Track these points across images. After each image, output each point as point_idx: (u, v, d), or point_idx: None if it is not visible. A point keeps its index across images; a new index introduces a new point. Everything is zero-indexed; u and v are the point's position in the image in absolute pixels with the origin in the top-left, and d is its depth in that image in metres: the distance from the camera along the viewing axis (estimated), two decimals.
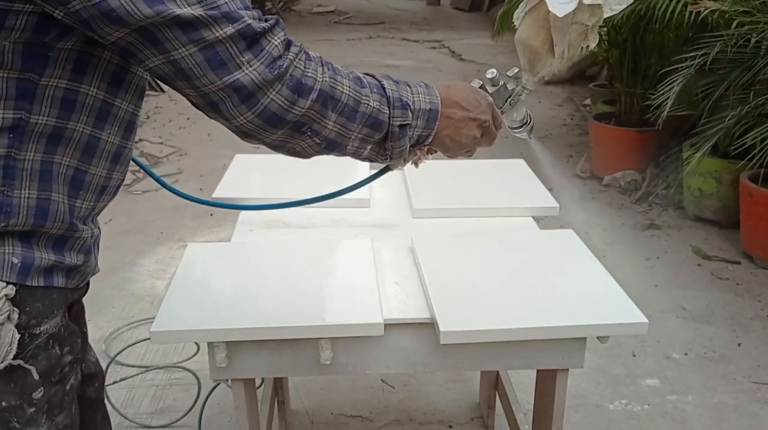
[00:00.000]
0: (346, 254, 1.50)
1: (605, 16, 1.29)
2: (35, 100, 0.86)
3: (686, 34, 3.70)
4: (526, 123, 1.33)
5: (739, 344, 2.65)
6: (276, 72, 0.88)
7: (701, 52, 3.12)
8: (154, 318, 1.24)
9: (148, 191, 4.07)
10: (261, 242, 1.59)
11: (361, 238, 1.57)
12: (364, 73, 1.03)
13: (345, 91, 0.97)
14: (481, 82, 1.21)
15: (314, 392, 2.35)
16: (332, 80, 0.95)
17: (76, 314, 1.11)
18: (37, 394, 0.93)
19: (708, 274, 3.20)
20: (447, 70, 7.54)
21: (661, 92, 3.19)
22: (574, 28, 1.28)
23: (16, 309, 0.88)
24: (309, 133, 0.96)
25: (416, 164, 1.18)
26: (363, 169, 1.97)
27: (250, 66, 0.87)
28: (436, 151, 1.15)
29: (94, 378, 1.19)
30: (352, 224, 1.69)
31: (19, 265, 0.89)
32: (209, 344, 1.25)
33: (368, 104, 0.99)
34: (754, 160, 2.94)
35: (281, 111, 0.91)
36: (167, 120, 5.33)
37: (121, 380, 2.37)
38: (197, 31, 0.83)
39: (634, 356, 2.57)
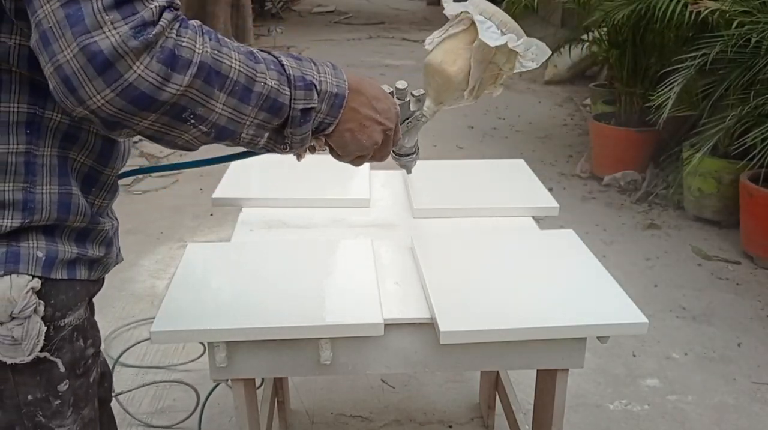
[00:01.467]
0: (346, 254, 1.50)
1: (515, 70, 1.25)
2: (48, 97, 0.86)
3: (686, 34, 3.71)
4: (412, 153, 1.23)
5: (739, 344, 2.65)
6: (142, 38, 0.72)
7: (701, 53, 3.12)
8: (154, 318, 1.24)
9: (148, 191, 4.07)
10: (261, 242, 1.59)
11: (361, 238, 1.57)
12: (258, 49, 0.87)
13: (234, 65, 0.80)
14: (392, 90, 1.11)
15: (314, 392, 2.35)
16: (216, 52, 0.78)
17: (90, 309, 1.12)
18: (63, 386, 0.94)
19: (708, 274, 3.20)
20: None
21: (662, 93, 3.19)
22: (489, 67, 1.24)
23: (41, 302, 0.89)
24: (193, 120, 0.79)
25: (310, 151, 1.06)
26: (364, 170, 1.98)
27: (114, 27, 0.71)
28: (327, 149, 1.02)
29: (103, 378, 1.20)
30: (352, 224, 1.69)
31: (43, 258, 0.89)
32: (209, 344, 1.25)
33: (264, 83, 0.83)
34: (754, 161, 2.94)
35: (152, 89, 0.73)
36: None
37: (135, 389, 2.37)
38: None
39: (634, 356, 2.57)
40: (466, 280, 1.39)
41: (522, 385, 2.18)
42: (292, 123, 0.87)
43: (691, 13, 3.16)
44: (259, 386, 1.92)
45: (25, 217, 0.87)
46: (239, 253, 1.52)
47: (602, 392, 2.37)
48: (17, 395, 0.91)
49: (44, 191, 0.89)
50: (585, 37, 4.63)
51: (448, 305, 1.27)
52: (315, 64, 0.91)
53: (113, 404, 2.25)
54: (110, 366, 2.37)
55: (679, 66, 3.22)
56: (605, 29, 4.25)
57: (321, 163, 1.88)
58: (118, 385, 2.34)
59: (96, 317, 1.07)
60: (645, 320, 1.26)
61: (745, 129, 3.13)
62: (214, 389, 2.11)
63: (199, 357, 2.49)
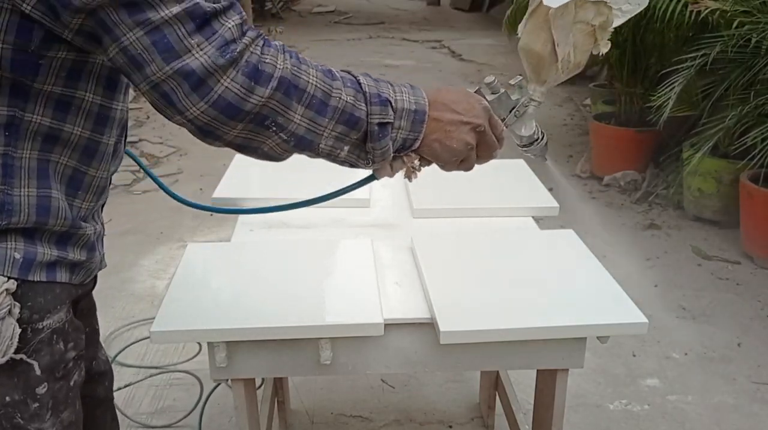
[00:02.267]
0: (346, 254, 1.50)
1: (615, 21, 1.19)
2: (29, 100, 0.86)
3: (686, 34, 3.71)
4: (536, 140, 1.20)
5: (739, 344, 2.65)
6: (228, 56, 0.81)
7: (701, 53, 3.12)
8: (153, 318, 1.24)
9: (148, 191, 4.07)
10: (261, 242, 1.59)
11: (361, 238, 1.57)
12: (340, 70, 0.95)
13: (311, 81, 0.89)
14: (478, 88, 1.11)
15: (314, 392, 2.35)
16: (295, 68, 0.88)
17: (86, 310, 1.11)
18: (41, 389, 0.93)
19: (708, 274, 3.20)
20: (447, 70, 7.54)
21: (662, 93, 3.19)
22: (578, 27, 1.18)
23: (17, 303, 0.88)
24: (274, 128, 0.88)
25: (409, 178, 1.09)
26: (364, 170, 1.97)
27: (200, 49, 0.80)
28: (429, 163, 1.06)
29: (103, 377, 1.19)
30: (352, 224, 1.69)
31: (21, 260, 0.89)
32: (209, 344, 1.25)
33: (340, 98, 0.91)
34: (755, 161, 2.94)
35: (237, 100, 0.83)
36: (167, 120, 5.33)
37: (125, 386, 2.36)
38: (142, 11, 0.78)
39: (634, 356, 2.57)
40: (466, 280, 1.39)
41: (522, 385, 2.18)
42: (371, 137, 0.94)
43: (691, 13, 3.16)
44: (259, 386, 1.92)
45: (2, 219, 0.87)
46: (239, 253, 1.52)
47: (602, 392, 2.37)
48: None
49: (22, 194, 0.89)
50: None
51: (448, 305, 1.27)
52: (392, 85, 0.97)
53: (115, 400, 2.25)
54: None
55: (679, 66, 3.22)
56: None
57: (321, 163, 1.86)
58: (118, 385, 2.34)
59: (98, 323, 1.06)
60: (645, 320, 1.26)
61: (745, 129, 3.13)
62: (214, 388, 2.11)
63: (195, 355, 2.48)
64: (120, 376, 2.36)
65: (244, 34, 0.84)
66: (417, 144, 1.00)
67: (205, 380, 2.33)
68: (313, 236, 1.62)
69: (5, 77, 0.85)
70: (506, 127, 1.13)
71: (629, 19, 3.62)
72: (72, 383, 0.99)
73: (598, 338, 1.30)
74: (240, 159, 2.05)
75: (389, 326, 1.26)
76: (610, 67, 4.58)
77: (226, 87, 0.82)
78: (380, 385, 2.39)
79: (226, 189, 1.83)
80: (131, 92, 1.08)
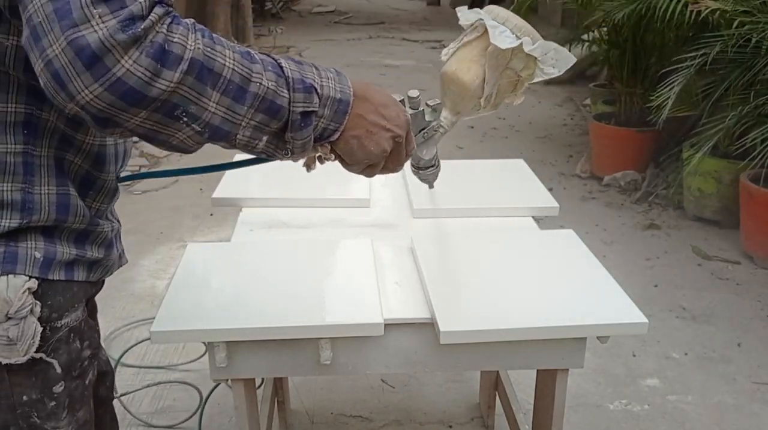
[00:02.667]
0: (346, 254, 1.50)
1: (536, 78, 1.21)
2: (46, 99, 0.84)
3: (686, 34, 3.71)
4: (432, 166, 1.19)
5: (739, 344, 2.65)
6: (130, 32, 0.70)
7: (701, 53, 3.12)
8: (154, 318, 1.24)
9: (148, 191, 4.07)
10: (261, 242, 1.59)
11: (361, 238, 1.57)
12: (257, 52, 0.85)
13: (228, 64, 0.78)
14: (402, 98, 1.06)
15: (314, 392, 2.35)
16: (209, 49, 0.77)
17: (90, 310, 1.11)
18: (58, 388, 0.93)
19: (708, 274, 3.20)
20: None
21: (662, 93, 3.19)
22: (507, 73, 1.21)
23: (38, 302, 0.88)
24: (185, 118, 0.77)
25: (308, 167, 1.03)
26: None
27: (102, 20, 0.70)
28: (335, 158, 0.98)
29: (105, 377, 1.19)
30: (352, 224, 1.69)
31: (41, 259, 0.89)
32: (209, 344, 1.25)
33: (260, 83, 0.81)
34: (755, 161, 2.94)
35: (141, 85, 0.72)
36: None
37: (136, 391, 2.36)
38: None
39: (634, 356, 2.57)
40: (466, 280, 1.39)
41: (522, 385, 2.18)
42: (293, 127, 0.85)
43: (691, 12, 3.16)
44: (259, 386, 1.92)
45: (23, 217, 0.87)
46: (239, 253, 1.52)
47: (602, 392, 2.37)
48: (12, 395, 0.91)
49: (42, 192, 0.89)
50: (585, 36, 4.63)
51: (448, 305, 1.27)
52: (317, 69, 0.89)
53: (114, 403, 2.25)
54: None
55: (679, 66, 3.22)
56: (605, 29, 4.25)
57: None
58: (118, 385, 2.34)
59: (98, 324, 1.07)
60: (645, 320, 1.26)
61: (745, 129, 3.13)
62: (213, 389, 2.11)
63: (200, 357, 2.49)
64: (120, 376, 2.36)
65: (150, 9, 0.73)
66: (336, 136, 0.92)
67: (203, 385, 2.33)
68: (313, 236, 1.62)
69: (20, 77, 0.85)
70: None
71: (630, 19, 3.65)
72: (87, 382, 1.00)
73: (598, 338, 1.30)
74: (240, 159, 2.05)
75: (389, 326, 1.26)
76: (610, 67, 4.58)
77: (127, 69, 0.71)
78: (380, 385, 2.39)
79: (225, 189, 1.83)
80: None
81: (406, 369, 1.32)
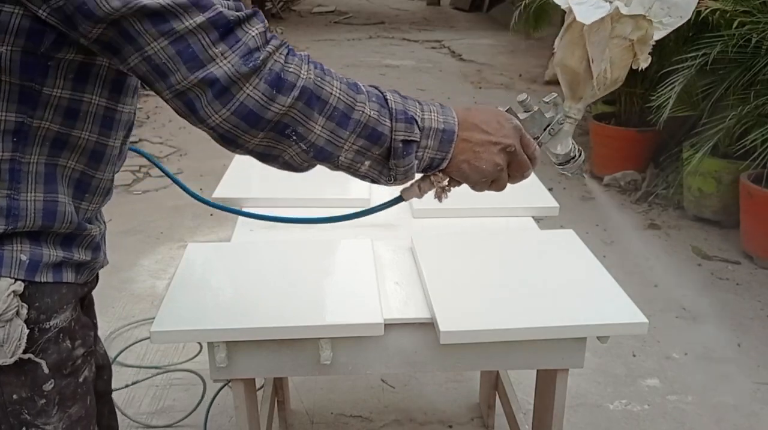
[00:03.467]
0: (346, 254, 1.50)
1: (656, 34, 1.12)
2: (38, 106, 0.87)
3: (686, 34, 3.71)
4: (573, 158, 1.17)
5: (739, 344, 2.65)
6: (251, 64, 0.82)
7: (701, 53, 3.12)
8: (154, 318, 1.25)
9: (148, 191, 4.07)
10: (261, 242, 1.59)
11: (361, 238, 1.57)
12: (369, 85, 0.95)
13: (334, 92, 0.89)
14: (509, 107, 1.08)
15: (314, 392, 2.35)
16: (318, 79, 0.88)
17: (86, 306, 1.12)
18: (48, 386, 0.94)
19: (708, 274, 3.20)
20: (447, 70, 7.54)
21: (662, 93, 3.19)
22: (615, 43, 1.13)
23: (25, 305, 0.89)
24: (294, 137, 0.88)
25: (440, 198, 1.07)
26: None
27: (224, 58, 0.81)
28: (459, 183, 1.04)
29: (102, 371, 1.20)
30: (352, 224, 1.68)
31: (27, 262, 0.90)
32: (209, 344, 1.25)
33: (363, 111, 0.90)
34: (755, 161, 2.94)
35: (259, 108, 0.84)
36: (167, 120, 5.34)
37: (133, 384, 2.36)
38: (167, 22, 0.79)
39: (634, 356, 2.57)
40: (466, 280, 1.39)
41: (522, 385, 2.18)
42: (395, 154, 0.93)
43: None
44: (260, 388, 1.92)
45: (8, 223, 0.88)
46: (239, 253, 1.52)
47: (602, 392, 2.37)
48: (2, 394, 0.92)
49: (29, 199, 0.89)
50: None
51: (448, 305, 1.27)
52: (420, 103, 0.96)
53: (114, 400, 2.26)
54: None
55: (680, 66, 3.22)
56: None
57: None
58: (117, 385, 2.34)
59: (96, 317, 1.07)
60: (645, 320, 1.26)
61: (745, 129, 3.13)
62: (220, 389, 2.10)
63: (196, 355, 2.48)
64: (120, 376, 2.36)
65: (267, 42, 0.85)
66: (445, 164, 0.98)
67: (209, 380, 2.33)
68: (313, 236, 1.62)
69: (13, 83, 0.85)
70: (540, 145, 1.09)
71: None
72: (81, 379, 1.00)
73: (598, 338, 1.30)
74: (240, 159, 2.05)
75: (389, 326, 1.26)
76: None
77: (248, 95, 0.83)
78: (380, 385, 2.39)
79: (226, 189, 1.82)
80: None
81: (406, 369, 1.32)
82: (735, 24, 3.00)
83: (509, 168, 1.02)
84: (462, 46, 8.77)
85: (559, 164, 1.18)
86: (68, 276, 0.96)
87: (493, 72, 7.41)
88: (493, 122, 0.99)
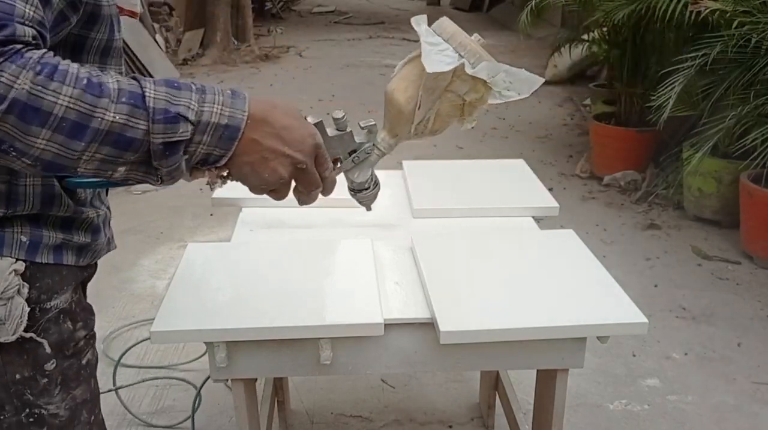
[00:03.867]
0: (346, 254, 1.50)
1: (493, 101, 1.11)
2: None
3: (686, 34, 3.71)
4: (366, 189, 1.14)
5: (739, 344, 2.65)
6: None
7: (701, 53, 3.12)
8: (154, 318, 1.25)
9: (148, 191, 4.07)
10: (261, 242, 1.59)
11: (361, 238, 1.57)
12: (131, 77, 0.84)
13: (60, 101, 0.76)
14: (321, 120, 1.00)
15: (314, 392, 2.35)
16: (38, 88, 0.75)
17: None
18: (50, 365, 0.96)
19: (708, 274, 3.20)
20: None
21: (662, 93, 3.19)
22: (448, 97, 1.11)
23: (26, 284, 0.92)
24: (14, 153, 0.77)
25: (211, 187, 0.97)
26: None
27: None
28: (234, 179, 0.94)
29: None
30: (352, 224, 1.69)
31: (27, 243, 0.92)
32: (209, 344, 1.25)
33: (103, 119, 0.78)
34: (755, 161, 2.94)
35: None
36: None
37: (142, 381, 2.37)
38: None
39: (634, 356, 2.57)
40: (466, 280, 1.39)
41: (522, 385, 2.18)
42: (155, 156, 0.82)
43: (691, 13, 3.16)
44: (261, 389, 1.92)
45: (8, 207, 0.90)
46: (239, 253, 1.52)
47: (602, 392, 2.37)
48: (5, 374, 0.94)
49: (28, 184, 0.91)
50: (585, 37, 4.63)
51: (448, 305, 1.27)
52: (203, 93, 0.85)
53: (114, 401, 2.26)
54: (112, 365, 2.38)
55: (680, 66, 3.22)
56: (605, 29, 4.26)
57: None
58: (118, 385, 2.34)
59: (96, 317, 1.08)
60: (645, 319, 1.26)
61: (745, 129, 3.13)
62: (201, 386, 2.06)
63: (200, 357, 2.49)
64: (120, 376, 2.37)
65: None
66: (223, 161, 0.89)
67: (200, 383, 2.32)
68: (313, 236, 1.62)
69: None
70: (340, 168, 1.05)
71: (629, 19, 3.62)
72: (84, 362, 1.02)
73: (598, 338, 1.30)
74: None
75: (389, 326, 1.26)
76: (610, 67, 4.59)
77: None
78: (380, 385, 2.39)
79: (225, 189, 1.82)
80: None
81: (406, 369, 1.32)
82: (735, 24, 3.00)
83: (297, 182, 0.97)
84: None
85: (351, 190, 1.15)
86: (69, 259, 0.98)
87: None
88: (295, 133, 0.91)
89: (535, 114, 5.78)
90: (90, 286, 1.12)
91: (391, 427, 2.22)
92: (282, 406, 2.17)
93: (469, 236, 1.63)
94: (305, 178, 0.96)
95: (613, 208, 3.95)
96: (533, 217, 1.75)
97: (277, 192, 0.96)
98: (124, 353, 2.47)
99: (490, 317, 1.26)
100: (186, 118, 0.82)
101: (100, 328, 2.74)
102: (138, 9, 6.43)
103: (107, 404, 2.27)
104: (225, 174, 0.93)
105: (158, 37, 7.17)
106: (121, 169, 0.83)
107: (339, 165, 1.10)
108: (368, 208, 1.22)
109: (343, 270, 1.45)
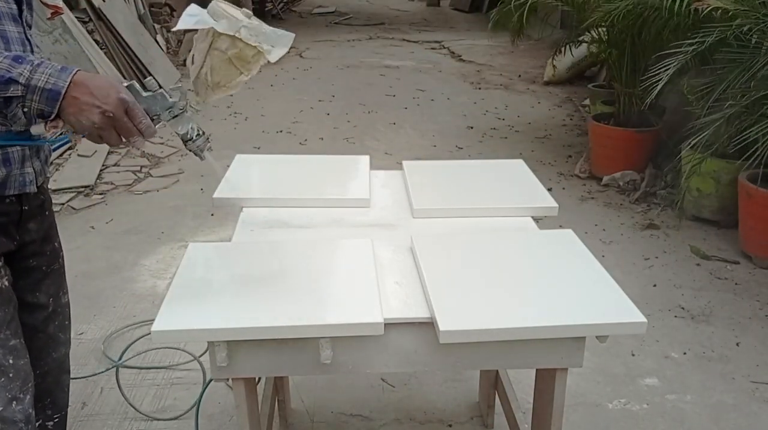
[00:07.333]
0: (346, 254, 1.51)
1: (264, 59, 1.34)
2: None
3: (685, 34, 3.71)
4: (191, 139, 1.34)
5: (737, 344, 2.66)
6: None
7: (696, 40, 3.11)
8: (155, 318, 1.25)
9: (149, 191, 4.07)
10: (261, 242, 1.60)
11: (361, 238, 1.58)
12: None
13: None
14: (132, 82, 1.25)
15: (314, 391, 2.36)
16: None
17: (40, 239, 1.43)
18: None
19: (707, 274, 3.21)
20: (447, 70, 7.55)
21: (656, 73, 3.18)
22: (214, 54, 1.35)
23: None
24: None
25: (72, 140, 1.23)
26: (364, 170, 1.98)
27: None
28: (78, 133, 1.20)
29: (54, 316, 1.49)
30: (352, 224, 1.69)
31: None
32: (210, 343, 1.26)
33: None
34: (753, 161, 2.94)
35: None
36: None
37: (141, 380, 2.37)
38: None
39: (633, 355, 2.58)
40: (466, 280, 1.39)
41: (521, 384, 2.19)
42: (1, 106, 1.14)
43: (690, 12, 3.17)
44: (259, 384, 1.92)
45: None
46: (240, 253, 1.53)
47: (601, 392, 2.38)
48: None
49: None
50: (584, 37, 4.63)
51: (447, 305, 1.28)
52: (37, 67, 1.14)
53: (115, 399, 2.25)
54: (114, 367, 2.38)
55: (675, 50, 3.21)
56: (604, 29, 4.26)
57: (321, 163, 1.89)
58: (119, 384, 2.35)
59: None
60: (644, 319, 1.27)
61: (744, 129, 3.13)
62: (207, 385, 2.07)
63: (201, 355, 2.49)
64: (121, 376, 2.37)
65: None
66: (53, 115, 1.17)
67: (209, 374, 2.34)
68: (313, 236, 1.63)
69: None
70: (160, 121, 1.29)
71: (629, 19, 3.60)
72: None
73: (597, 337, 1.31)
74: (240, 159, 2.06)
75: (389, 325, 1.26)
76: (609, 67, 4.59)
77: None
78: (380, 384, 2.40)
79: (226, 189, 1.83)
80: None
81: (405, 368, 1.33)
82: (735, 23, 3.00)
83: (116, 129, 1.20)
84: (461, 47, 8.78)
85: (183, 142, 1.36)
86: None
87: (492, 73, 7.42)
88: (103, 90, 1.18)
89: (534, 114, 5.78)
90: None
91: (391, 426, 2.23)
92: (282, 405, 2.17)
93: (469, 236, 1.64)
94: (119, 125, 1.20)
95: (612, 209, 3.95)
96: (532, 217, 1.75)
97: (105, 137, 1.21)
98: (123, 353, 2.48)
99: (489, 317, 1.27)
100: (17, 82, 1.13)
101: (101, 328, 2.76)
102: (60, 4, 6.28)
103: (108, 403, 2.28)
104: (61, 125, 1.20)
105: (159, 37, 7.17)
106: None
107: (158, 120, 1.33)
108: (201, 158, 1.41)
109: (343, 270, 1.45)
